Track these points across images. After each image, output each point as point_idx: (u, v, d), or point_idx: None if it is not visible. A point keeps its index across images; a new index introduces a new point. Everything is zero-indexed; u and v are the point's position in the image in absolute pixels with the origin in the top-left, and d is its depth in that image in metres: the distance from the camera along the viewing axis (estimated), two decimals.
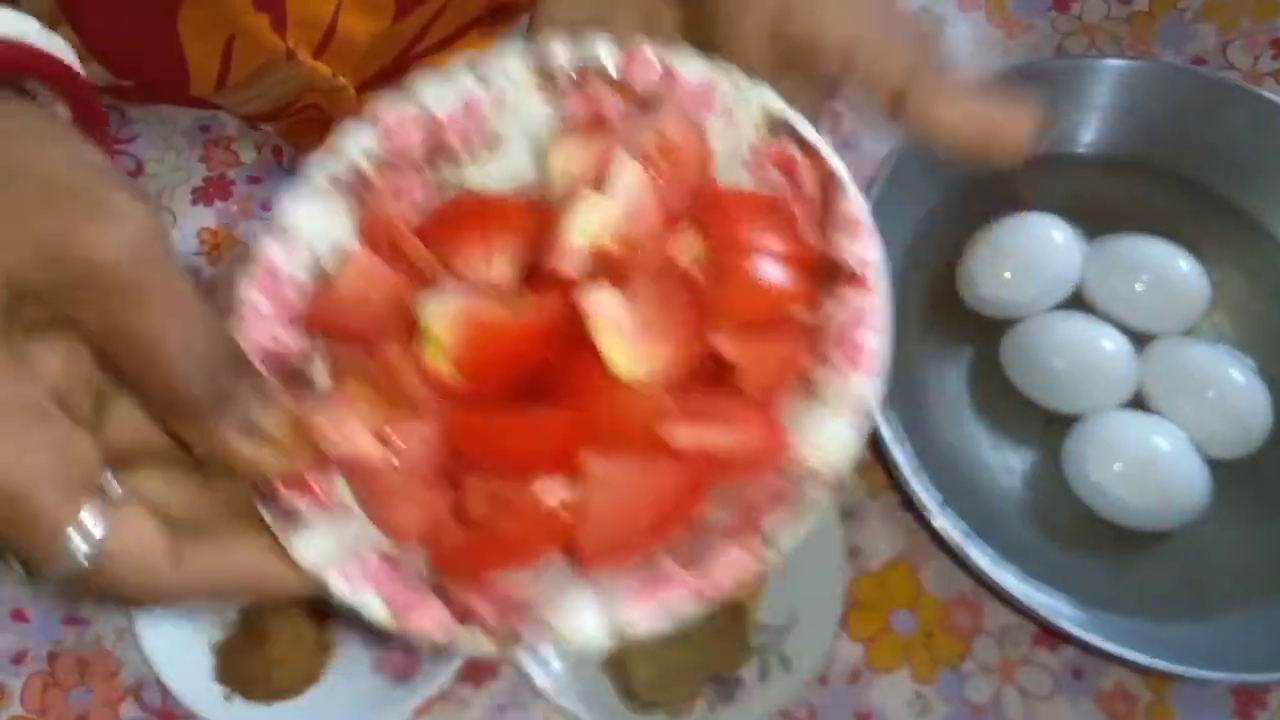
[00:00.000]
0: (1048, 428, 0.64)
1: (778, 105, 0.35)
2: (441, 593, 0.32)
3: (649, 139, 0.34)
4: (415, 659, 0.58)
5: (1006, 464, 0.64)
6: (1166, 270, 0.66)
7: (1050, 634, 0.61)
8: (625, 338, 0.32)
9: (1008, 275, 0.65)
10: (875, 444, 0.64)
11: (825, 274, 0.34)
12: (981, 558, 0.56)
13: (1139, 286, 0.65)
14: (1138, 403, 0.64)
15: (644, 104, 0.36)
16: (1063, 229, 0.66)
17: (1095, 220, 0.68)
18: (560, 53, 0.36)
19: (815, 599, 0.60)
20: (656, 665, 0.57)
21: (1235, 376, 0.63)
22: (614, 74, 0.36)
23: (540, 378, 0.34)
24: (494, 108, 0.36)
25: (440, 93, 0.36)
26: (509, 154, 0.37)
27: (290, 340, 0.34)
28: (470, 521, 0.32)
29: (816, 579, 0.60)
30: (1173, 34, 0.79)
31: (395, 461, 0.32)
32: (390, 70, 0.68)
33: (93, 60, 0.62)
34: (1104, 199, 0.70)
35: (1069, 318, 0.65)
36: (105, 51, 0.61)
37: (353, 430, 0.32)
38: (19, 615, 0.60)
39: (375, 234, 0.35)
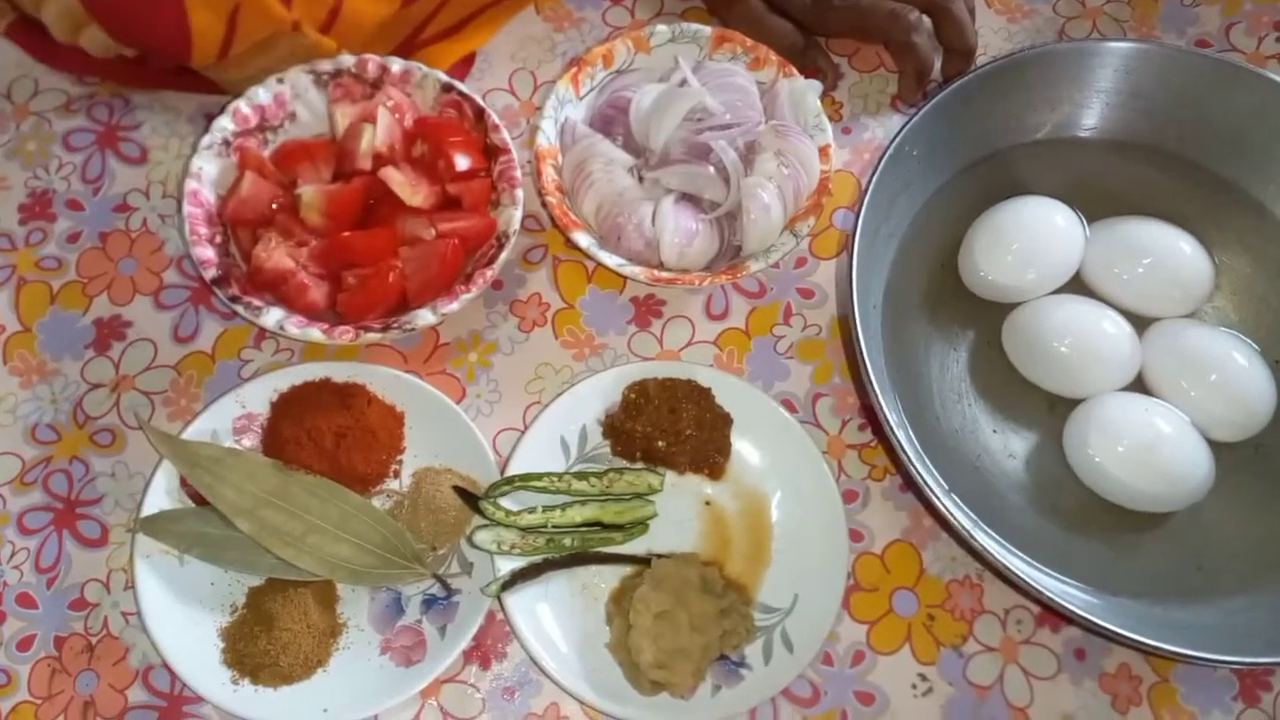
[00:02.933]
0: (1050, 411, 0.64)
1: (445, 79, 0.67)
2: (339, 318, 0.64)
3: (384, 98, 0.66)
4: (422, 643, 0.59)
5: (1008, 447, 0.64)
6: (1169, 253, 0.66)
7: (1053, 615, 0.62)
8: (408, 188, 0.64)
9: (1009, 259, 0.65)
10: (878, 427, 0.65)
11: (488, 151, 0.66)
12: (984, 540, 0.56)
13: (1141, 269, 0.65)
14: (1140, 386, 0.64)
15: (373, 84, 0.67)
16: (1064, 212, 0.66)
17: (1097, 203, 0.68)
18: (324, 64, 0.67)
19: (818, 581, 0.60)
20: (661, 647, 0.57)
21: (1238, 359, 0.63)
22: (354, 71, 0.67)
23: (366, 216, 0.65)
24: (292, 97, 0.68)
25: (262, 92, 0.66)
26: (300, 122, 0.68)
27: (210, 229, 0.64)
28: (347, 289, 0.63)
29: (820, 561, 0.60)
30: (1175, 17, 0.79)
31: (302, 267, 0.63)
32: (397, 55, 0.68)
33: (95, 25, 0.62)
34: (1106, 182, 0.70)
35: (1071, 301, 0.65)
36: (108, 16, 0.61)
37: (278, 254, 0.62)
38: (26, 600, 0.60)
39: (249, 164, 0.65)
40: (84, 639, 0.60)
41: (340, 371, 0.63)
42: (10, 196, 0.70)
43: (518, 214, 0.63)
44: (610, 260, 0.64)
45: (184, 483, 0.60)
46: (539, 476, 0.61)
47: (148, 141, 0.72)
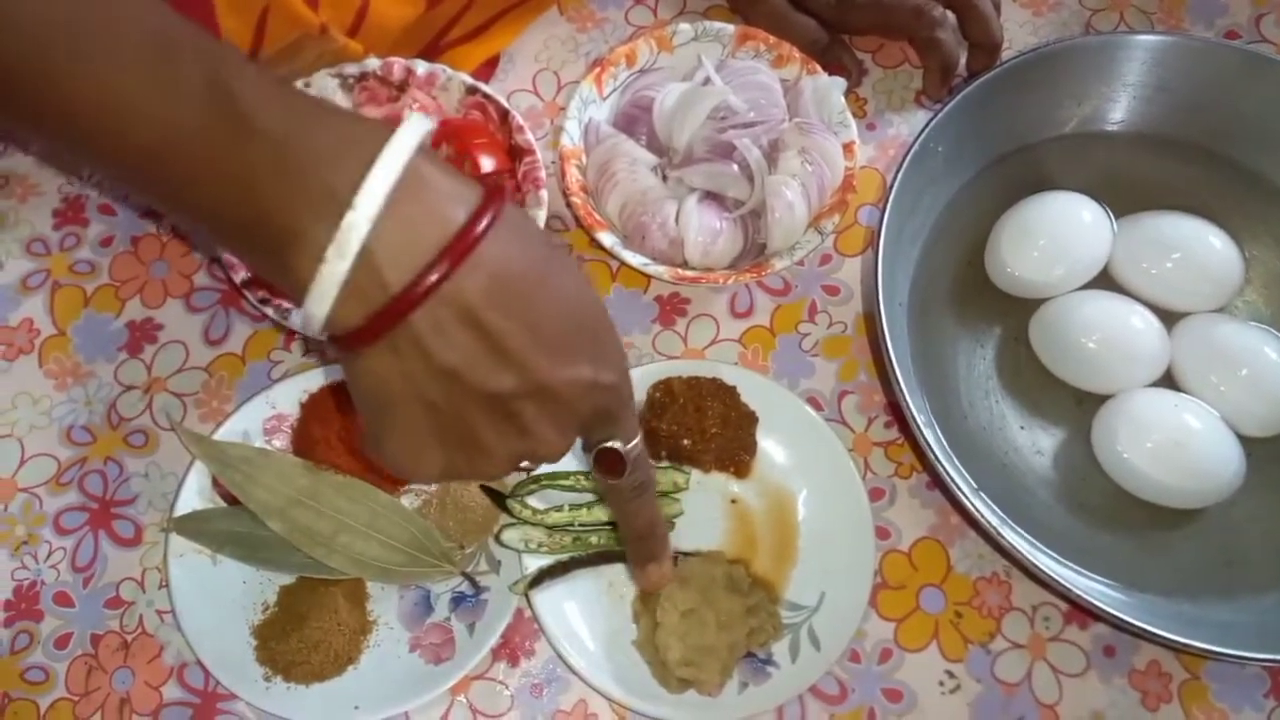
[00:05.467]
0: (1078, 407, 0.64)
1: (469, 81, 0.67)
2: None
3: (410, 101, 0.67)
4: (451, 641, 0.59)
5: (1036, 444, 0.64)
6: (1198, 247, 0.65)
7: (1081, 612, 0.61)
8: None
9: (1035, 255, 0.65)
10: (904, 424, 0.64)
11: (513, 152, 0.66)
12: (1013, 537, 0.56)
13: (1170, 264, 0.65)
14: (1169, 381, 0.63)
15: (399, 87, 0.67)
16: (1092, 207, 0.66)
17: (1125, 198, 0.67)
18: (349, 67, 0.66)
19: (845, 579, 0.60)
20: (688, 645, 0.57)
21: (1269, 354, 0.62)
22: (380, 74, 0.67)
23: None
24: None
25: None
26: None
27: None
28: None
29: (846, 559, 0.60)
30: (1204, 8, 0.78)
31: None
32: (422, 57, 0.68)
33: None
34: (1134, 176, 0.69)
35: (1098, 296, 0.65)
36: None
37: None
38: (64, 599, 0.61)
39: None
40: (120, 637, 0.61)
41: None
42: (44, 202, 0.71)
43: (542, 214, 0.64)
44: (634, 259, 0.64)
45: (216, 483, 0.61)
46: (565, 475, 0.61)
47: None
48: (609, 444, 0.47)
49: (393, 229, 0.37)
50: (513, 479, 0.61)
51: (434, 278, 0.37)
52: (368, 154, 0.37)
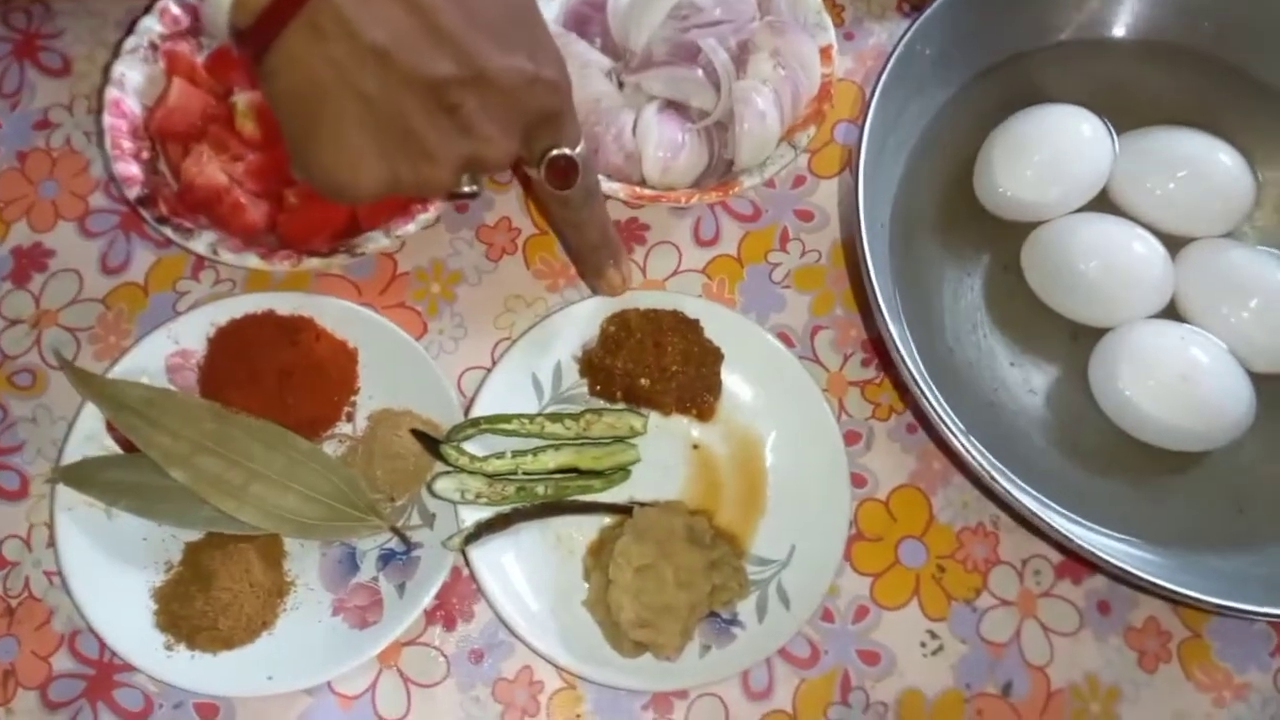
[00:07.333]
0: (1073, 341, 0.59)
1: None
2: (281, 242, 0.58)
3: None
4: (379, 603, 0.53)
5: (1028, 381, 0.59)
6: (1206, 165, 0.60)
7: (1074, 565, 0.57)
8: None
9: (1029, 173, 0.60)
10: (885, 361, 0.60)
11: None
12: (1002, 481, 0.51)
13: (1174, 184, 0.60)
14: (1173, 312, 0.59)
15: None
16: (1091, 121, 0.61)
17: (1127, 112, 0.62)
18: None
19: (817, 530, 0.55)
20: (644, 604, 0.52)
21: None
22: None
23: None
24: None
25: None
26: None
27: (135, 143, 0.58)
28: (288, 209, 0.58)
29: (819, 509, 0.56)
30: None
31: (237, 184, 0.57)
32: None
33: None
34: (1137, 88, 0.64)
35: (1097, 219, 0.60)
36: None
37: (210, 169, 0.57)
38: None
39: (179, 70, 0.59)
40: (2, 602, 0.55)
41: (285, 303, 0.57)
42: None
43: None
44: None
45: (110, 428, 0.55)
46: (508, 418, 0.56)
47: (70, 50, 0.65)
48: (559, 150, 0.46)
49: None
50: (448, 421, 0.55)
51: None
52: None
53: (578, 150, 0.47)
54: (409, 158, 0.41)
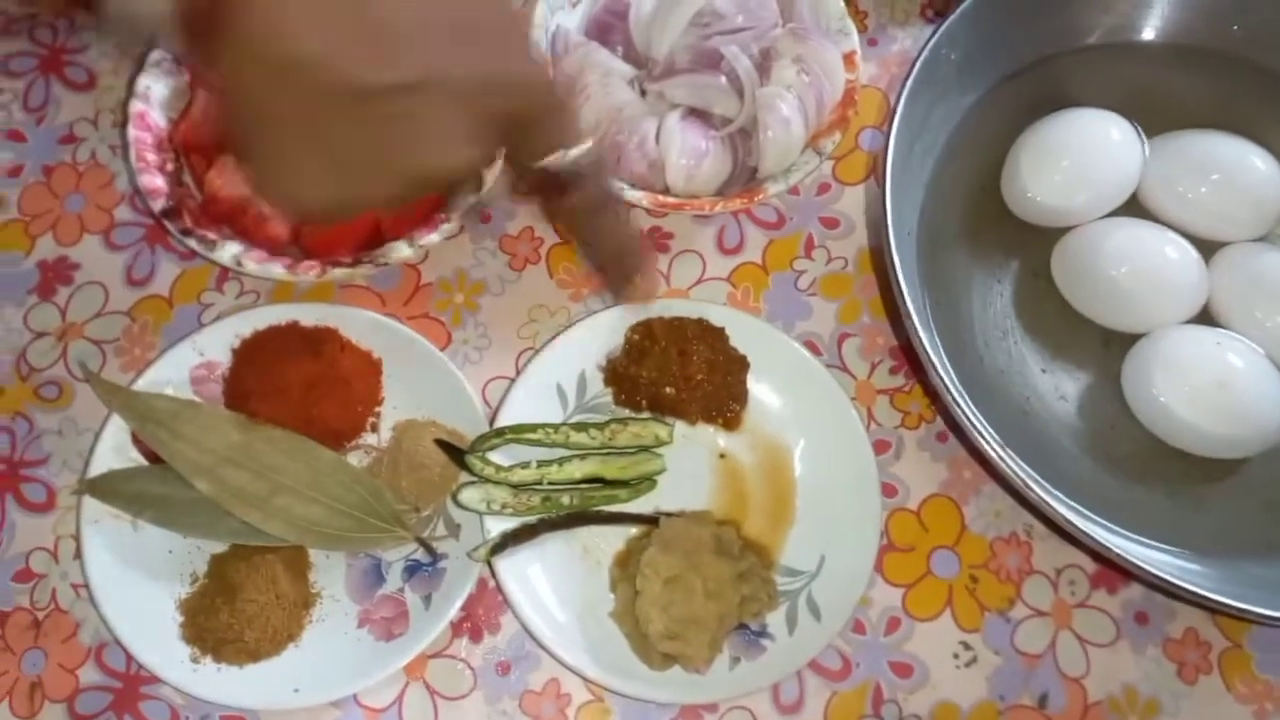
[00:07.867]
0: (1105, 348, 0.58)
1: None
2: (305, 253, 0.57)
3: None
4: (405, 615, 0.53)
5: (1060, 389, 0.58)
6: (1239, 169, 0.59)
7: (1109, 575, 0.56)
8: None
9: (1058, 178, 0.59)
10: (915, 368, 0.59)
11: None
12: (1038, 489, 0.50)
13: (1207, 188, 0.59)
14: (1206, 318, 0.58)
15: None
16: (1120, 125, 0.60)
17: (1157, 116, 0.61)
18: None
19: (847, 541, 0.55)
20: (672, 615, 0.51)
21: None
22: None
23: None
24: None
25: None
26: None
27: (159, 156, 0.57)
28: (308, 228, 0.57)
29: (849, 519, 0.55)
30: None
31: None
32: None
33: None
34: (1167, 92, 0.63)
35: (1128, 224, 0.59)
36: None
37: (235, 181, 0.56)
38: None
39: (203, 82, 0.58)
40: (30, 614, 0.54)
41: (310, 315, 0.57)
42: None
43: None
44: None
45: (136, 439, 0.54)
46: (533, 428, 0.55)
47: (96, 65, 0.65)
48: (536, 164, 0.43)
49: None
50: (473, 432, 0.55)
51: None
52: None
53: (570, 159, 0.44)
54: (356, 173, 0.39)
